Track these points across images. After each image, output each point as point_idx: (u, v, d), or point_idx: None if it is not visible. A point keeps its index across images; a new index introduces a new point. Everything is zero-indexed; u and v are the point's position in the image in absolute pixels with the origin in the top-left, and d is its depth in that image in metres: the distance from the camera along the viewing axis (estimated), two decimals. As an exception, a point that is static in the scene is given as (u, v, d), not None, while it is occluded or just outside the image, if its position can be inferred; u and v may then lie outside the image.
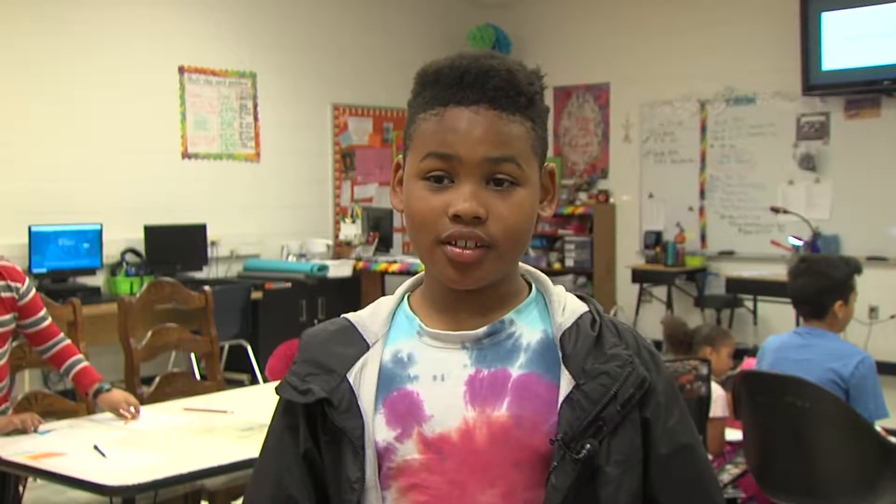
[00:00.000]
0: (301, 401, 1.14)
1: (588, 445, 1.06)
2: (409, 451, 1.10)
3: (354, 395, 1.12)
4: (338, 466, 1.13)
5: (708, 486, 1.15)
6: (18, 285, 3.05)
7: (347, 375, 1.13)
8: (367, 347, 1.15)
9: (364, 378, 1.13)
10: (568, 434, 1.07)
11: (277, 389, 1.18)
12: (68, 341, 3.20)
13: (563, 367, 1.11)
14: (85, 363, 3.16)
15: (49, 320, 3.15)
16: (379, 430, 1.11)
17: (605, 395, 1.08)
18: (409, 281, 1.22)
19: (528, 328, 1.14)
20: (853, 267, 3.32)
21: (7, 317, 3.02)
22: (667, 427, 1.12)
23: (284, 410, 1.19)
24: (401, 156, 1.17)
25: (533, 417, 1.09)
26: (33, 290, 3.11)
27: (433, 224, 1.09)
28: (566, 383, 1.10)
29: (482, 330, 1.13)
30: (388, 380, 1.13)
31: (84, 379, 3.12)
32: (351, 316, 1.20)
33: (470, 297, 1.13)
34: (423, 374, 1.13)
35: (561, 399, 1.09)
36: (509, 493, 1.09)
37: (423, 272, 1.20)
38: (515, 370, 1.11)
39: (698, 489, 1.14)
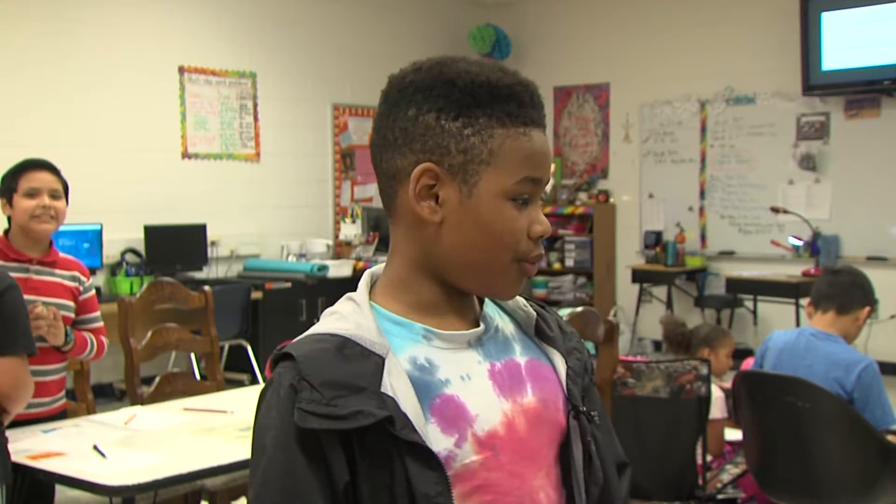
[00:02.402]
0: (353, 426, 1.03)
1: (593, 413, 1.19)
2: (468, 455, 1.09)
3: (400, 409, 1.05)
4: (388, 491, 1.04)
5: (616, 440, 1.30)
6: (84, 279, 3.21)
7: (383, 390, 1.06)
8: (381, 359, 1.08)
9: (397, 390, 1.06)
10: (577, 407, 1.18)
11: (298, 422, 1.04)
12: (104, 339, 3.27)
13: (550, 349, 1.21)
14: (85, 334, 3.18)
15: (101, 323, 3.27)
16: (436, 439, 1.07)
17: (581, 366, 1.22)
18: (363, 288, 1.16)
19: (500, 321, 1.20)
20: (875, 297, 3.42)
21: (69, 303, 3.14)
22: (592, 390, 1.26)
23: (300, 445, 1.04)
24: (429, 163, 1.09)
25: (551, 397, 1.17)
26: (94, 290, 3.27)
27: (517, 244, 1.12)
28: (560, 363, 1.20)
29: (482, 327, 1.17)
30: (424, 387, 1.09)
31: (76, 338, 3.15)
32: (337, 331, 1.10)
33: (460, 299, 1.16)
34: (452, 377, 1.11)
35: (563, 377, 1.19)
36: (549, 472, 1.15)
37: (372, 273, 1.18)
38: (520, 358, 1.18)
39: (614, 441, 1.28)
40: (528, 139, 1.10)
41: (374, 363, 1.07)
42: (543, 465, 1.14)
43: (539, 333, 1.21)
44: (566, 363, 1.19)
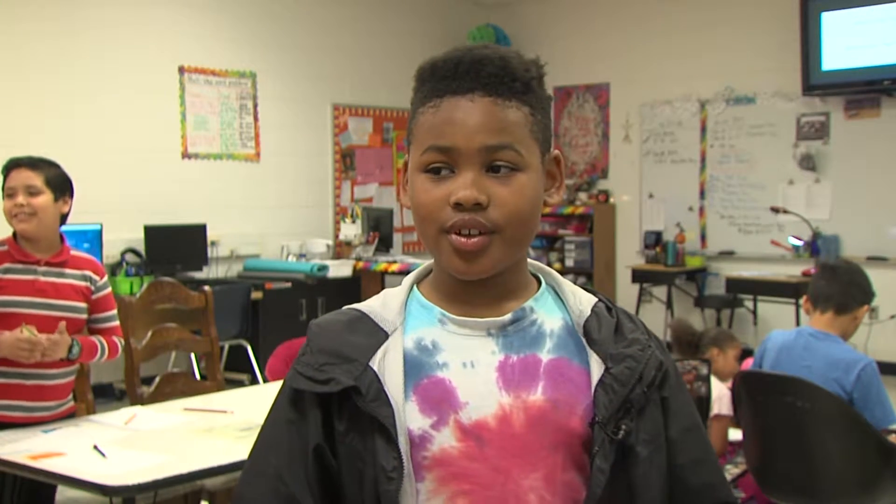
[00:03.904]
0: (323, 390, 1.10)
1: (623, 426, 1.10)
2: (447, 439, 1.09)
3: (381, 383, 1.10)
4: (360, 459, 1.10)
5: (716, 461, 1.22)
6: (97, 278, 3.12)
7: (370, 363, 1.11)
8: (386, 336, 1.14)
9: (388, 366, 1.11)
10: (604, 417, 1.10)
11: (288, 381, 1.15)
12: (117, 339, 3.18)
13: (591, 352, 1.14)
14: (95, 339, 3.11)
15: (116, 323, 3.20)
16: (412, 418, 1.09)
17: (632, 377, 1.12)
18: (416, 272, 1.22)
19: (547, 316, 1.17)
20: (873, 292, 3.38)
21: (80, 304, 3.06)
22: (680, 406, 1.18)
23: (290, 402, 1.14)
24: (407, 154, 1.18)
25: (568, 400, 1.11)
26: (108, 288, 3.17)
27: (436, 214, 1.10)
28: (597, 368, 1.13)
29: (507, 317, 1.14)
30: (416, 367, 1.12)
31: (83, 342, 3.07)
32: (361, 306, 1.18)
33: (483, 287, 1.14)
34: (452, 362, 1.12)
35: (594, 383, 1.12)
36: (550, 476, 1.10)
37: (430, 263, 1.20)
38: (545, 355, 1.13)
39: (709, 463, 1.20)
40: (436, 110, 1.11)
41: (377, 339, 1.14)
42: (540, 466, 1.10)
43: (586, 334, 1.16)
44: (607, 369, 1.12)
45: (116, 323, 3.21)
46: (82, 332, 3.10)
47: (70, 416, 3.13)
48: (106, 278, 3.18)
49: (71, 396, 3.16)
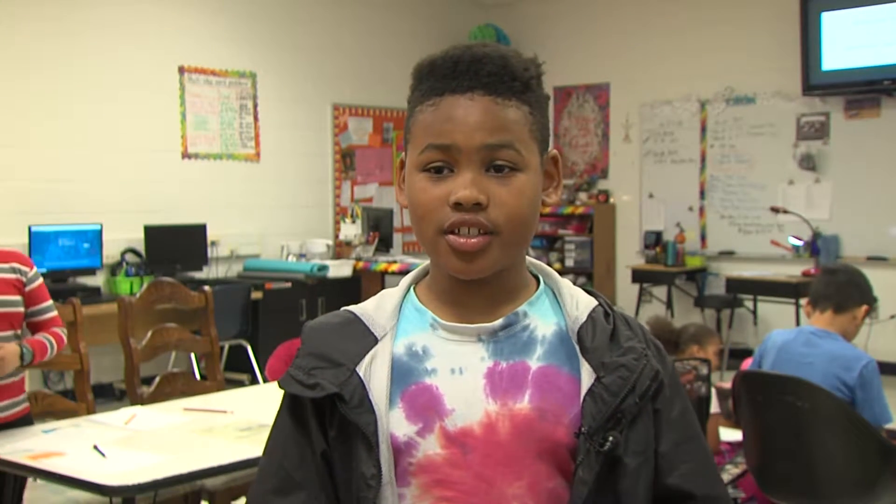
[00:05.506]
0: (309, 395, 1.12)
1: (611, 438, 1.07)
2: (432, 446, 1.09)
3: (365, 389, 1.10)
4: (348, 463, 1.10)
5: (714, 471, 1.18)
6: (26, 269, 3.02)
7: (357, 369, 1.11)
8: (376, 340, 1.13)
9: (374, 372, 1.11)
10: (591, 427, 1.08)
11: (281, 384, 1.15)
12: (59, 329, 3.10)
13: (583, 360, 1.11)
14: (40, 337, 3.02)
15: (55, 313, 3.11)
16: (397, 424, 1.09)
17: (624, 387, 1.09)
18: (413, 272, 1.21)
19: (541, 321, 1.14)
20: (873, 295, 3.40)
21: (15, 297, 2.97)
22: (671, 417, 1.14)
23: (291, 407, 1.16)
24: (404, 152, 1.17)
25: (555, 409, 1.09)
26: (40, 279, 3.08)
27: (435, 214, 1.09)
28: (587, 377, 1.10)
29: (498, 322, 1.13)
30: (405, 373, 1.12)
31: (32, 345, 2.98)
32: (355, 309, 1.18)
33: (478, 288, 1.13)
34: (441, 368, 1.11)
35: (583, 392, 1.09)
36: (535, 485, 1.09)
37: (427, 263, 1.19)
38: (534, 362, 1.11)
39: (701, 477, 1.15)
40: (435, 108, 1.10)
41: (367, 343, 1.13)
42: (525, 475, 1.09)
43: (580, 341, 1.13)
44: (598, 378, 1.09)
45: (55, 313, 3.11)
46: (21, 325, 3.00)
47: (27, 416, 3.03)
48: (35, 269, 3.07)
49: (25, 396, 3.05)
